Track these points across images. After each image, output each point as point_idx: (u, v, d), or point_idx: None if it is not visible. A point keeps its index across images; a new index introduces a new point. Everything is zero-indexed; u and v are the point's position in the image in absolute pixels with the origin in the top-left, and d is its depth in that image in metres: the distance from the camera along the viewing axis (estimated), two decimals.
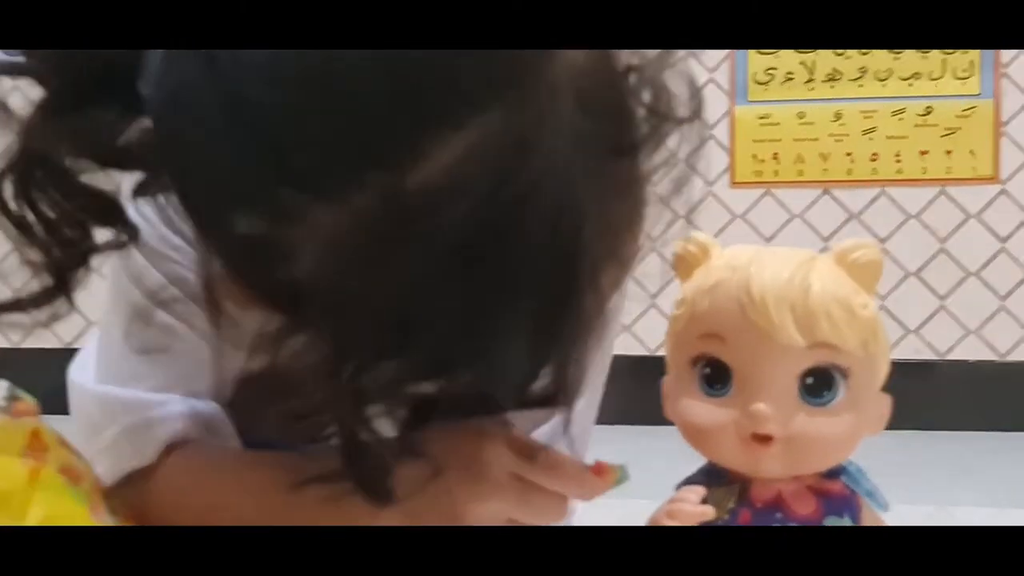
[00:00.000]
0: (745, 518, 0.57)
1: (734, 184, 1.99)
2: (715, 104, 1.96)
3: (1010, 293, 1.96)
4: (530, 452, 0.55)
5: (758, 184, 1.99)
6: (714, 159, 1.99)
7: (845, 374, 0.56)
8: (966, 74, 1.94)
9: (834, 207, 1.98)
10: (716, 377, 0.57)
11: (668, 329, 0.60)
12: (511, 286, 0.42)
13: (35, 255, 0.46)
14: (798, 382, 0.56)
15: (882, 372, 0.58)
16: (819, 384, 0.56)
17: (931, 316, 1.98)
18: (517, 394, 0.46)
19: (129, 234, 0.49)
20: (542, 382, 0.46)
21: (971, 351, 1.98)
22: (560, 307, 0.43)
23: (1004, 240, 1.96)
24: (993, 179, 1.95)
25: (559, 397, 0.46)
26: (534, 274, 0.42)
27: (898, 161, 1.97)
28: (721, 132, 2.00)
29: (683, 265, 0.60)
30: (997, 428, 1.94)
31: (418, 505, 0.52)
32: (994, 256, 1.97)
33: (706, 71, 1.96)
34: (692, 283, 0.59)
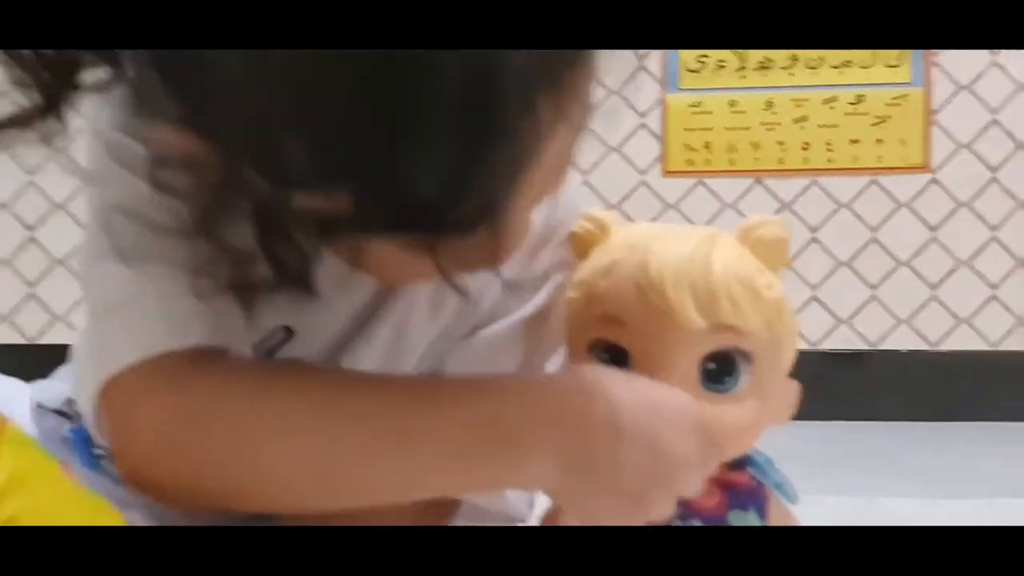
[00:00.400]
0: None
1: (666, 173, 1.97)
2: (647, 92, 1.94)
3: (941, 282, 1.96)
4: (715, 434, 0.51)
5: (690, 173, 1.97)
6: (646, 147, 1.97)
7: (748, 359, 0.53)
8: (896, 62, 1.94)
9: (766, 197, 1.97)
10: (614, 363, 0.54)
11: (566, 313, 0.57)
12: (427, 87, 0.37)
13: (24, 76, 0.43)
14: (699, 368, 0.52)
15: (788, 356, 0.55)
16: (721, 369, 0.52)
17: (863, 306, 1.97)
18: (436, 214, 0.41)
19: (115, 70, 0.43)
20: (466, 205, 0.40)
21: (903, 341, 1.97)
22: (483, 121, 0.38)
23: (934, 229, 1.96)
24: (924, 168, 1.95)
25: (482, 223, 0.41)
26: (455, 81, 0.37)
27: (829, 150, 1.96)
28: (653, 120, 1.97)
29: (580, 244, 0.57)
30: (929, 418, 1.93)
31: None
32: (925, 245, 1.97)
33: (637, 59, 1.93)
34: (589, 263, 0.55)
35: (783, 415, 0.55)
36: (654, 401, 0.50)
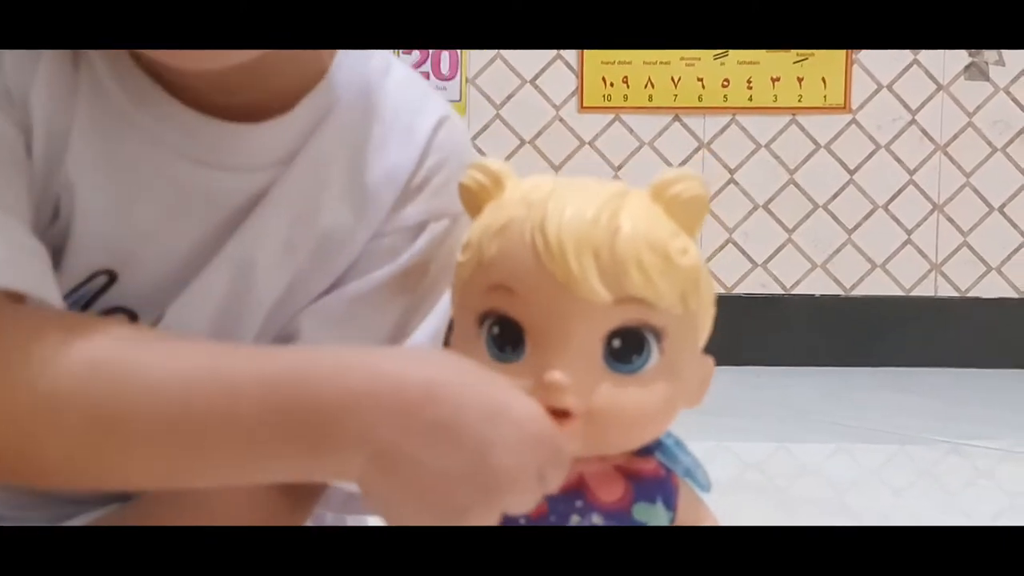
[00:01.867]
0: (540, 507, 0.47)
1: (582, 109, 1.90)
2: None
3: (857, 226, 1.94)
4: (557, 456, 0.45)
5: (607, 109, 1.90)
6: (562, 81, 1.90)
7: (659, 335, 0.46)
8: None
9: (684, 135, 1.92)
10: (506, 338, 0.47)
11: (454, 279, 0.50)
12: None
13: None
14: (603, 345, 0.46)
15: (704, 331, 0.49)
16: (628, 347, 0.46)
17: (778, 249, 1.94)
18: None
19: None
20: None
21: (817, 285, 1.95)
22: None
23: (853, 172, 1.93)
24: (844, 108, 1.91)
25: None
26: None
27: (749, 88, 1.91)
28: (570, 54, 1.90)
29: (471, 199, 0.49)
30: (841, 364, 1.93)
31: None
32: (842, 188, 1.94)
33: None
34: (480, 222, 0.48)
35: (696, 396, 0.49)
36: (496, 407, 0.44)
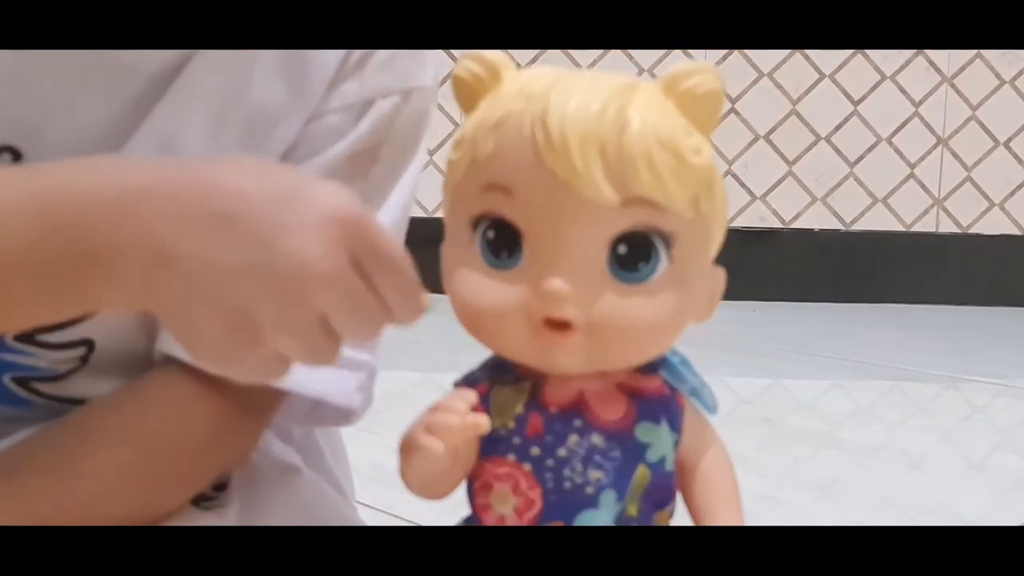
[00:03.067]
0: (535, 426, 0.45)
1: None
2: None
3: (859, 160, 1.91)
4: (368, 235, 0.40)
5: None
6: None
7: (668, 241, 0.43)
8: None
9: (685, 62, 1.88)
10: (502, 243, 0.43)
11: (445, 179, 0.46)
12: None
13: None
14: (607, 251, 0.43)
15: (716, 238, 0.46)
16: (634, 254, 0.43)
17: (778, 182, 1.91)
18: None
19: None
20: None
21: (816, 220, 1.93)
22: None
23: (857, 103, 1.90)
24: None
25: None
26: None
27: None
28: None
29: (466, 93, 0.46)
30: (838, 299, 1.91)
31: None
32: (846, 120, 1.90)
33: None
34: (475, 117, 0.45)
35: (707, 310, 0.46)
36: (288, 189, 0.39)
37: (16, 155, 0.46)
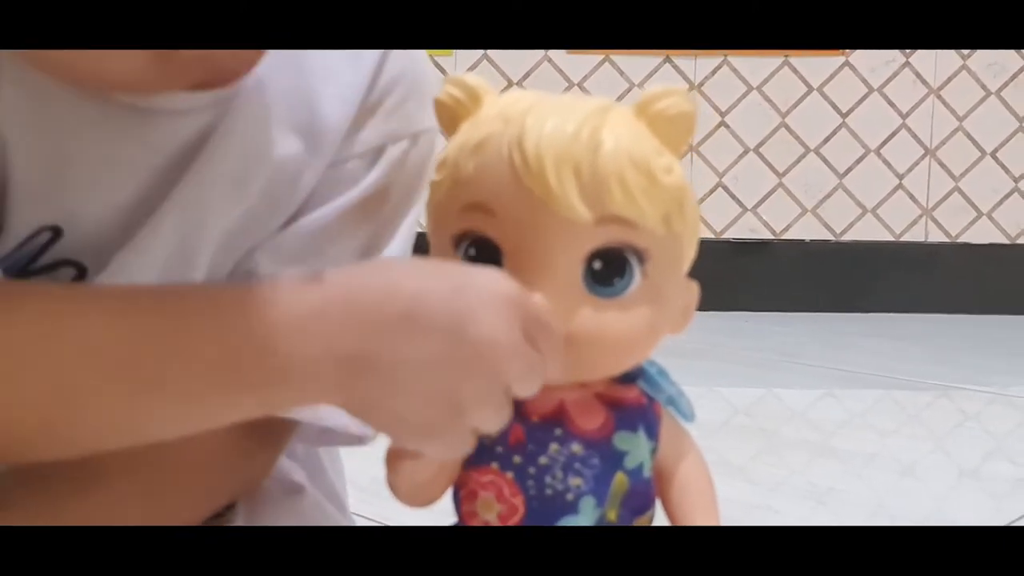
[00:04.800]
0: (517, 435, 0.46)
1: (571, 50, 1.87)
2: None
3: (848, 171, 1.92)
4: (530, 309, 0.43)
5: (596, 51, 1.87)
6: None
7: (642, 257, 0.44)
8: None
9: (675, 77, 1.89)
10: (483, 260, 0.45)
11: (428, 199, 0.48)
12: None
13: None
14: (583, 267, 0.44)
15: (688, 254, 0.47)
16: (609, 269, 0.44)
17: (769, 194, 1.93)
18: None
19: None
20: None
21: (807, 230, 1.94)
22: None
23: (845, 115, 1.91)
24: (837, 50, 1.89)
25: None
26: None
27: None
28: None
29: (447, 116, 0.47)
30: (829, 309, 1.92)
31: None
32: (835, 132, 1.92)
33: None
34: (456, 140, 0.46)
35: (681, 322, 0.48)
36: (457, 282, 0.42)
37: (57, 232, 0.48)
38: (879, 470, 1.26)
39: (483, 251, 0.45)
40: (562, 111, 0.44)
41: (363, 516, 0.81)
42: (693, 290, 0.48)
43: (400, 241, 0.54)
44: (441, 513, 0.48)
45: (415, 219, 0.55)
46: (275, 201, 0.52)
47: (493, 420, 0.43)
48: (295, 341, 0.41)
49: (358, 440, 0.54)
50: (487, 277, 0.43)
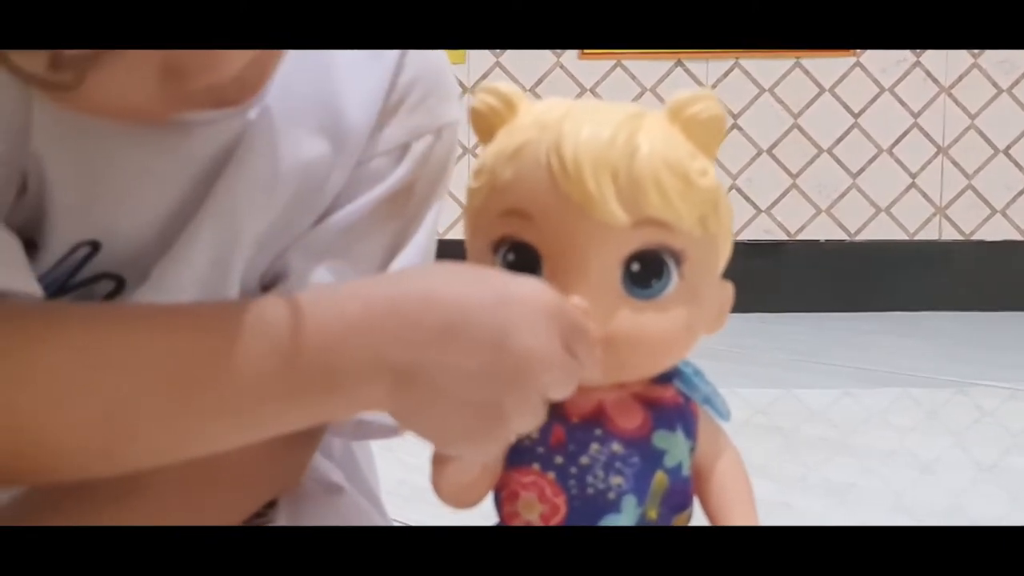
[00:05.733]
0: (558, 436, 0.47)
1: (583, 55, 1.88)
2: None
3: (861, 171, 1.92)
4: (569, 317, 0.44)
5: (608, 55, 1.88)
6: None
7: (679, 258, 0.45)
8: None
9: (687, 80, 1.90)
10: (523, 265, 0.46)
11: (465, 206, 0.48)
12: None
13: None
14: (621, 269, 0.45)
15: (723, 254, 0.48)
16: (647, 271, 0.45)
17: (782, 195, 1.93)
18: None
19: None
20: None
21: (821, 231, 1.94)
22: None
23: (857, 115, 1.91)
24: (848, 51, 1.89)
25: None
26: None
27: None
28: None
29: (483, 124, 0.48)
30: (845, 309, 1.92)
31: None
32: (847, 132, 1.92)
33: None
34: (493, 147, 0.47)
35: (717, 322, 0.48)
36: (499, 293, 0.43)
37: (95, 247, 0.50)
38: (897, 467, 1.27)
39: (522, 256, 0.46)
40: (597, 117, 0.45)
41: (401, 521, 0.82)
42: (728, 290, 0.49)
43: (425, 233, 0.55)
44: (481, 516, 0.49)
45: (438, 210, 0.56)
46: (305, 202, 0.53)
47: (530, 424, 0.44)
48: (343, 353, 0.42)
49: (392, 432, 0.55)
50: (527, 287, 0.44)
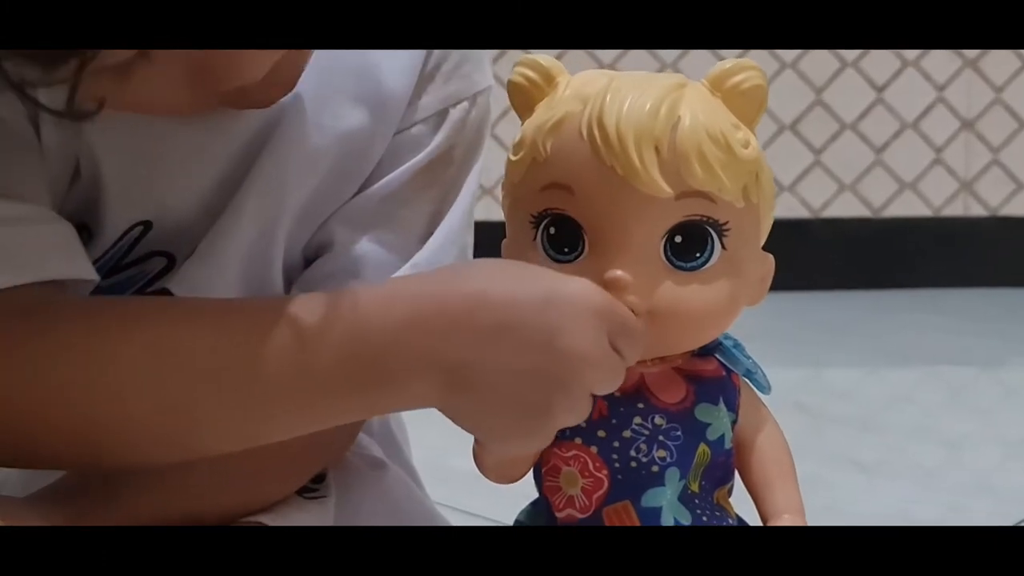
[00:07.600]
0: (601, 409, 0.47)
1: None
2: None
3: (885, 146, 1.91)
4: (616, 316, 0.45)
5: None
6: None
7: (721, 230, 0.45)
8: None
9: (708, 57, 1.88)
10: (564, 238, 0.46)
11: (504, 180, 0.49)
12: None
13: None
14: (664, 242, 0.45)
15: (765, 226, 0.48)
16: (690, 244, 0.45)
17: (805, 172, 1.92)
18: None
19: None
20: None
21: (846, 208, 1.93)
22: None
23: (881, 90, 1.90)
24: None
25: None
26: None
27: None
28: None
29: (522, 98, 0.48)
30: (871, 286, 1.91)
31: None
32: (870, 108, 1.90)
33: None
34: (533, 120, 0.47)
35: (758, 294, 0.49)
36: (548, 293, 0.44)
37: (147, 226, 0.51)
38: (925, 445, 1.26)
39: (563, 229, 0.46)
40: (639, 89, 0.45)
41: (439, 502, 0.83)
42: (769, 262, 0.49)
43: (464, 198, 0.56)
44: (515, 496, 0.49)
45: (478, 174, 0.57)
46: (347, 173, 0.53)
47: (575, 420, 0.45)
48: (392, 357, 0.44)
49: None
50: (575, 287, 0.44)
